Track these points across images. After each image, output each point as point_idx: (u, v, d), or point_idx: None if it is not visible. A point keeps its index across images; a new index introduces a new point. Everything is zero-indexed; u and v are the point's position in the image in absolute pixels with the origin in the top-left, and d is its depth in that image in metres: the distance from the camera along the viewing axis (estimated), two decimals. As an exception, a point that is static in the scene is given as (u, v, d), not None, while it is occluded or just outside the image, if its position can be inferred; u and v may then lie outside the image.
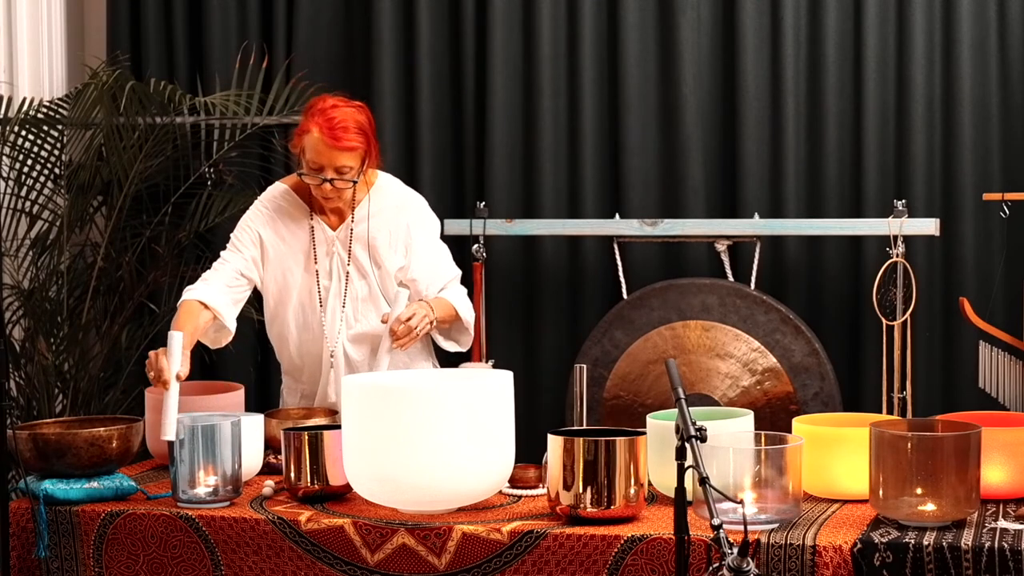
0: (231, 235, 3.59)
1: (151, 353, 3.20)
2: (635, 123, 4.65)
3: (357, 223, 3.53)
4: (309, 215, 3.54)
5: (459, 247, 4.16)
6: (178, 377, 3.14)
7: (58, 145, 4.70)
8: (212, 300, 3.42)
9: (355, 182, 3.42)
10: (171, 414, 3.07)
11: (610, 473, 2.72)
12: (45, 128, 4.65)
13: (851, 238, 4.50)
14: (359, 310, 3.54)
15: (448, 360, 3.82)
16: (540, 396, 4.72)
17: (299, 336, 3.57)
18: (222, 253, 3.57)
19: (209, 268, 3.55)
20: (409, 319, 3.37)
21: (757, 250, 4.40)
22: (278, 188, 3.60)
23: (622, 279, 4.51)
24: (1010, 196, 4.17)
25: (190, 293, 3.44)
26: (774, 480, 2.68)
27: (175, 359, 3.16)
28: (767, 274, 4.52)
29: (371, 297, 3.53)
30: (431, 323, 3.44)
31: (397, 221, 3.55)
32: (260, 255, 3.54)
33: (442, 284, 3.57)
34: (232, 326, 3.49)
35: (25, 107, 4.62)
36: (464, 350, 3.68)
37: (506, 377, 2.91)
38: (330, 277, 3.53)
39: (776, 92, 4.55)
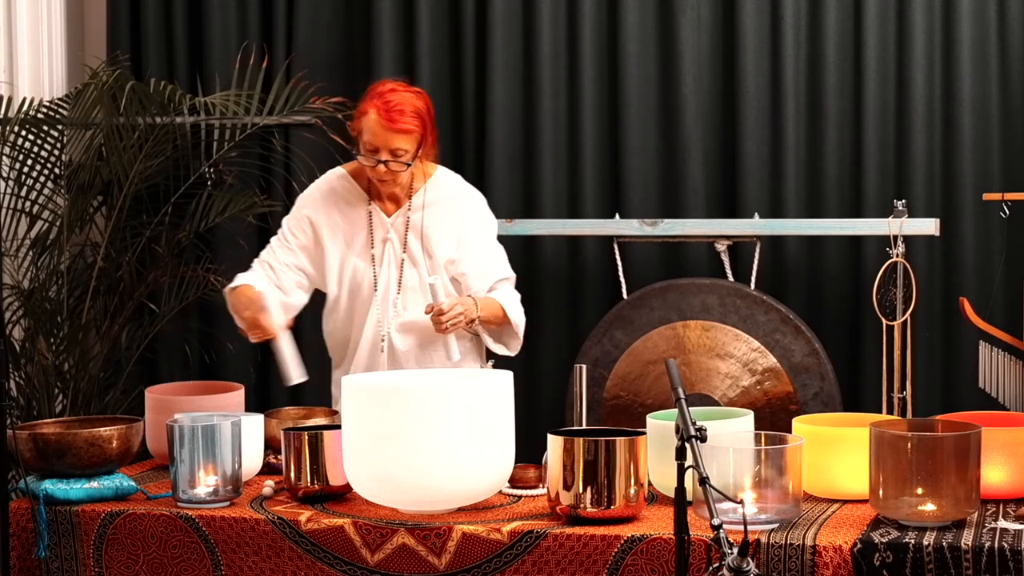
0: (283, 221, 3.60)
1: (246, 316, 3.29)
2: (635, 123, 4.65)
3: (412, 211, 3.54)
4: (367, 201, 3.55)
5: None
6: (282, 327, 3.27)
7: (58, 145, 4.70)
8: (266, 292, 3.44)
9: (409, 165, 3.43)
10: (291, 358, 3.27)
11: (610, 473, 2.72)
12: (45, 128, 4.65)
13: (851, 238, 4.50)
14: (408, 299, 3.54)
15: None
16: (540, 396, 4.72)
17: (353, 322, 3.56)
18: (272, 242, 3.58)
19: (249, 268, 3.56)
20: (440, 311, 3.37)
21: (757, 250, 4.41)
22: (335, 172, 3.62)
23: (622, 279, 4.51)
24: (1010, 196, 4.17)
25: (246, 279, 3.47)
26: (774, 480, 2.68)
27: (273, 312, 3.30)
28: (767, 274, 4.52)
29: (421, 287, 3.53)
30: (470, 321, 3.44)
31: (451, 214, 3.57)
32: (312, 239, 3.55)
33: (491, 283, 3.57)
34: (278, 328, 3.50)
35: (25, 107, 4.62)
36: (512, 355, 3.67)
37: (506, 377, 2.91)
38: (383, 263, 3.54)
39: (776, 92, 4.56)
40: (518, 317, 3.58)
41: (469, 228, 3.58)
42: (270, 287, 3.47)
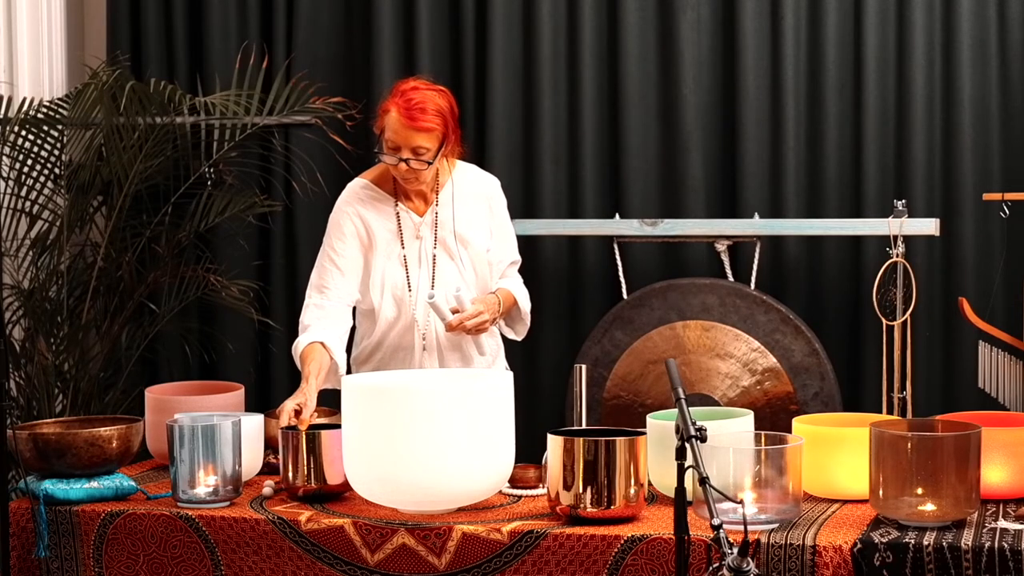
0: (325, 251, 3.52)
1: (290, 404, 3.20)
2: (635, 123, 4.65)
3: (442, 207, 3.55)
4: (393, 204, 3.55)
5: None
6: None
7: (58, 145, 4.70)
8: (333, 344, 3.43)
9: (430, 163, 3.43)
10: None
11: (610, 473, 2.72)
12: (45, 128, 4.65)
13: (851, 238, 4.50)
14: (449, 292, 3.53)
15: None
16: (540, 396, 4.72)
17: (393, 323, 3.55)
18: (320, 274, 3.50)
19: (311, 300, 3.49)
20: (460, 321, 3.41)
21: (757, 250, 4.41)
22: (357, 183, 3.59)
23: (622, 279, 4.51)
24: (1010, 196, 4.17)
25: (312, 336, 3.42)
26: (774, 480, 2.68)
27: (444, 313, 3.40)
28: (767, 274, 4.52)
29: (460, 279, 3.54)
30: (494, 320, 3.50)
31: (480, 204, 3.60)
32: (361, 248, 3.52)
33: (505, 266, 3.65)
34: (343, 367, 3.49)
35: (25, 107, 4.62)
36: (519, 339, 3.73)
37: (506, 377, 2.91)
38: (419, 262, 3.54)
39: (776, 92, 4.55)
40: (528, 305, 3.67)
41: (497, 215, 3.64)
42: (335, 339, 3.44)
